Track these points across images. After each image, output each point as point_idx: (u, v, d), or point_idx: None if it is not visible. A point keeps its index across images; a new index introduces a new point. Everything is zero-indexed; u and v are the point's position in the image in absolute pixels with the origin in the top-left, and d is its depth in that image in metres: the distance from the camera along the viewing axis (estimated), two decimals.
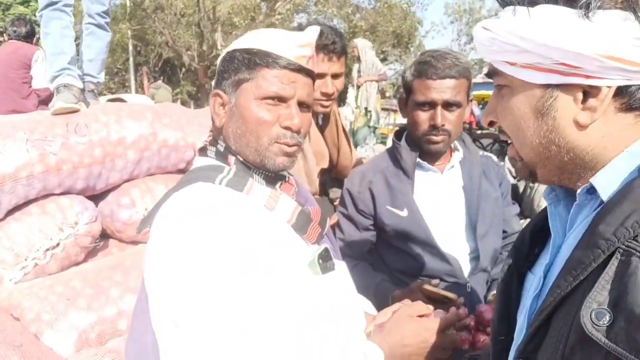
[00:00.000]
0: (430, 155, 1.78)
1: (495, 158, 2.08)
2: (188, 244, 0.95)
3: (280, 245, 1.04)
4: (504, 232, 1.90)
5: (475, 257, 1.77)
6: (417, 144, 1.77)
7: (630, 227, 0.67)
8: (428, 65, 1.67)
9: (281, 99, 1.07)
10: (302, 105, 1.10)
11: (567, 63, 0.72)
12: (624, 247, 0.67)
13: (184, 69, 19.78)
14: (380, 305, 1.61)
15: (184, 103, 19.35)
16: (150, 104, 3.32)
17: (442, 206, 1.79)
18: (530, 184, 2.12)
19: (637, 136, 0.74)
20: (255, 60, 1.07)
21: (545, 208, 0.92)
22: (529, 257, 0.94)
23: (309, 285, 1.05)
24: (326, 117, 2.14)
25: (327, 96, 1.98)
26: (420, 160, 1.79)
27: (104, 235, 1.99)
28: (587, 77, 0.72)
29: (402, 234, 1.75)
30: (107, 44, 2.75)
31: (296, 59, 1.08)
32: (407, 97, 1.77)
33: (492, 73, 0.84)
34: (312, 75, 1.12)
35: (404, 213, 1.75)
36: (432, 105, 1.68)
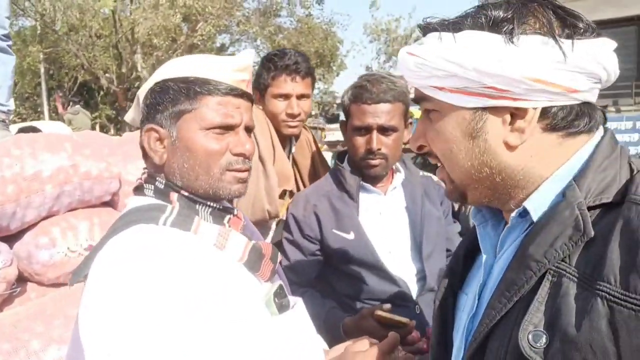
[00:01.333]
0: (372, 178, 1.78)
1: (435, 178, 2.12)
2: (130, 290, 0.85)
3: (232, 286, 0.97)
4: (448, 250, 1.91)
5: (422, 277, 1.76)
6: (357, 168, 1.77)
7: (559, 249, 0.70)
8: (363, 90, 1.68)
9: (229, 127, 1.03)
10: (247, 129, 1.06)
11: (495, 87, 0.74)
12: (554, 268, 0.70)
13: (102, 92, 18.99)
14: (330, 334, 1.58)
15: (103, 127, 18.55)
16: (68, 132, 3.11)
17: (387, 228, 1.78)
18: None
19: (563, 159, 0.77)
20: (194, 89, 1.01)
21: (473, 229, 0.95)
22: (458, 276, 0.96)
23: (267, 326, 0.97)
24: (297, 140, 2.10)
25: (293, 117, 1.95)
26: (364, 183, 1.78)
27: (21, 280, 1.80)
28: (515, 99, 0.74)
29: (349, 257, 1.72)
30: (12, 68, 2.54)
31: (236, 83, 1.03)
32: (346, 121, 1.78)
33: (420, 99, 0.85)
34: (252, 100, 1.09)
35: (351, 236, 1.72)
36: (368, 129, 1.69)
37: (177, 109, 1.01)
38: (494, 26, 0.75)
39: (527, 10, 0.75)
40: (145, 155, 1.06)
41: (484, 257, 0.88)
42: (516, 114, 0.76)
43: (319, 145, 2.27)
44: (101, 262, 0.90)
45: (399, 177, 1.85)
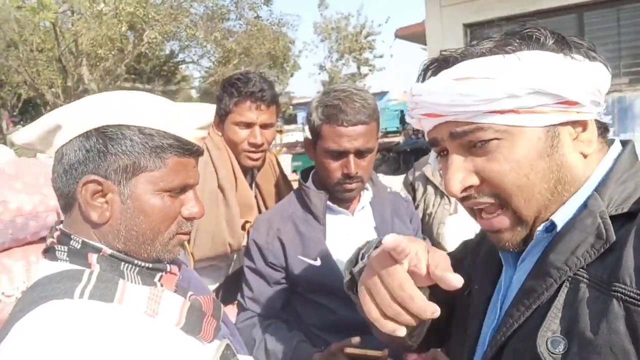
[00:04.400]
0: (342, 199, 1.66)
1: (403, 194, 2.05)
2: None
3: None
4: None
5: None
6: (327, 189, 1.64)
7: (580, 256, 0.70)
8: (337, 110, 1.52)
9: (185, 188, 0.94)
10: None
11: (568, 100, 0.74)
12: (572, 275, 0.71)
13: (48, 108, 18.28)
14: None
15: None
16: (8, 158, 2.90)
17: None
18: (429, 211, 2.12)
19: (590, 171, 0.79)
20: (161, 145, 0.89)
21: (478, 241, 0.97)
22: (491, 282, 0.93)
23: None
24: (261, 167, 1.97)
25: (256, 147, 1.81)
26: (330, 203, 1.66)
27: None
28: (579, 112, 0.76)
29: (316, 285, 1.60)
30: None
31: (198, 141, 0.94)
32: (314, 140, 1.63)
33: (466, 132, 0.77)
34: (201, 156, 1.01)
35: (317, 262, 1.60)
36: (343, 153, 1.55)
37: (134, 163, 0.88)
38: (548, 45, 0.77)
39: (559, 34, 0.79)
40: (70, 208, 0.90)
41: (504, 268, 0.87)
42: (574, 127, 0.78)
43: (275, 150, 2.16)
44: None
45: (367, 195, 1.73)
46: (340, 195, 1.63)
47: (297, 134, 24.22)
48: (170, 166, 0.90)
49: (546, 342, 0.68)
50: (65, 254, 0.88)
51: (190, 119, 0.94)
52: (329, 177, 1.60)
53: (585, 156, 0.79)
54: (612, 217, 0.72)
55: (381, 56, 21.93)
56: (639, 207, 0.72)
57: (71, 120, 0.88)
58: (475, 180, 0.79)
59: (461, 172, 0.79)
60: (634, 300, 0.63)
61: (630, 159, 0.79)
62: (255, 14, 17.53)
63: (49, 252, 0.91)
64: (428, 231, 2.09)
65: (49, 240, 0.92)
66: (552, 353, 0.67)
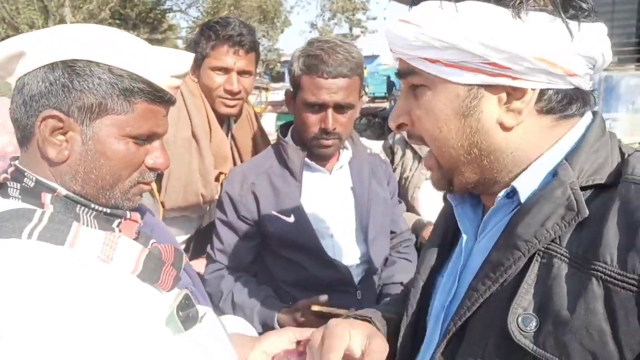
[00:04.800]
0: (319, 156, 1.62)
1: (383, 156, 2.03)
2: None
3: (119, 310, 0.79)
4: (392, 232, 1.81)
5: (365, 261, 1.67)
6: (306, 145, 1.60)
7: (550, 229, 0.67)
8: (318, 61, 1.47)
9: (151, 137, 0.90)
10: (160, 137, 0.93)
11: (497, 63, 0.70)
12: (543, 249, 0.68)
13: None
14: (264, 324, 1.49)
15: None
16: None
17: (331, 209, 1.65)
18: (406, 175, 2.11)
19: (554, 139, 0.75)
20: (131, 88, 0.83)
21: (442, 210, 0.93)
22: (438, 258, 0.92)
23: (164, 351, 0.81)
24: (238, 118, 1.90)
25: (232, 94, 1.75)
26: (308, 160, 1.62)
27: None
28: (514, 78, 0.70)
29: (289, 241, 1.59)
30: None
31: (171, 90, 0.89)
32: (294, 92, 1.58)
33: (406, 72, 0.79)
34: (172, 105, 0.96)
35: (291, 219, 1.58)
36: (322, 107, 1.50)
37: (100, 104, 0.82)
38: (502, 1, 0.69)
39: None
40: (27, 142, 0.85)
41: (463, 238, 0.84)
42: (512, 93, 0.72)
43: (260, 108, 2.10)
44: None
45: (346, 155, 1.70)
46: (317, 152, 1.59)
47: (283, 92, 23.87)
48: (138, 112, 0.85)
49: (517, 319, 0.66)
50: (18, 191, 0.83)
51: (166, 64, 0.88)
52: (306, 131, 1.56)
53: (505, 128, 0.74)
54: (583, 188, 0.69)
55: (374, 18, 21.56)
56: (613, 179, 0.69)
57: (37, 48, 0.82)
58: (406, 120, 0.81)
59: (399, 109, 0.82)
60: (614, 280, 0.61)
61: (601, 128, 0.76)
62: None
63: (1, 189, 0.86)
64: (403, 195, 2.08)
65: (1, 176, 0.87)
66: (523, 331, 0.66)
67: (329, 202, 1.66)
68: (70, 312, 0.73)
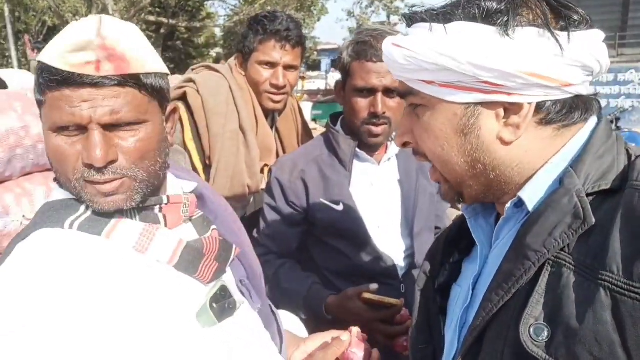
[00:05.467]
0: (369, 145, 1.62)
1: None
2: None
3: (144, 298, 0.80)
4: (437, 228, 1.80)
5: (410, 254, 1.66)
6: (355, 133, 1.60)
7: (558, 238, 0.67)
8: (367, 46, 1.49)
9: (77, 128, 0.78)
10: (119, 125, 0.80)
11: (489, 81, 0.71)
12: (553, 258, 0.68)
13: None
14: (312, 312, 1.52)
15: None
16: (25, 89, 2.90)
17: (378, 200, 1.65)
18: None
19: (558, 147, 0.75)
20: (39, 80, 0.79)
21: (460, 217, 0.93)
22: (445, 268, 0.94)
23: (190, 344, 0.82)
24: (282, 111, 1.92)
25: (277, 88, 1.76)
26: (358, 150, 1.63)
27: None
28: (509, 94, 0.71)
29: (335, 229, 1.60)
30: None
31: (76, 68, 0.76)
32: (344, 80, 1.59)
33: (405, 92, 0.81)
34: (124, 82, 0.79)
35: (339, 207, 1.59)
36: (371, 91, 1.51)
37: (36, 99, 0.82)
38: (488, 18, 0.71)
39: (520, 1, 0.72)
40: None
41: (478, 247, 0.85)
42: (510, 109, 0.73)
43: (297, 96, 2.12)
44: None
45: (394, 147, 1.69)
46: (366, 140, 1.59)
47: (320, 81, 23.84)
48: (48, 102, 0.79)
49: (529, 329, 0.67)
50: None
51: (62, 43, 0.78)
52: (356, 116, 1.56)
53: (505, 142, 0.74)
54: (589, 194, 0.69)
55: (413, 6, 21.22)
56: (619, 184, 0.69)
57: None
58: (410, 138, 0.83)
59: (402, 128, 0.84)
60: (621, 290, 0.61)
61: (606, 131, 0.75)
62: None
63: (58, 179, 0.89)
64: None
65: None
66: (535, 341, 0.66)
67: (377, 193, 1.66)
68: (91, 298, 0.75)
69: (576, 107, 0.74)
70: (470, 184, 0.80)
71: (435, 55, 0.72)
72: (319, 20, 22.77)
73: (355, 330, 1.13)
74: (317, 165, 1.65)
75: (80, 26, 0.80)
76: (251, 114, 1.78)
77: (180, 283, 0.87)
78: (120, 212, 0.85)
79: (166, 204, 0.91)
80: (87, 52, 0.77)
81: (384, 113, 1.53)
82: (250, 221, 1.83)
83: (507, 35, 0.69)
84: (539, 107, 0.73)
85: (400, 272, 1.64)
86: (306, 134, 2.03)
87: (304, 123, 2.05)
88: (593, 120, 0.77)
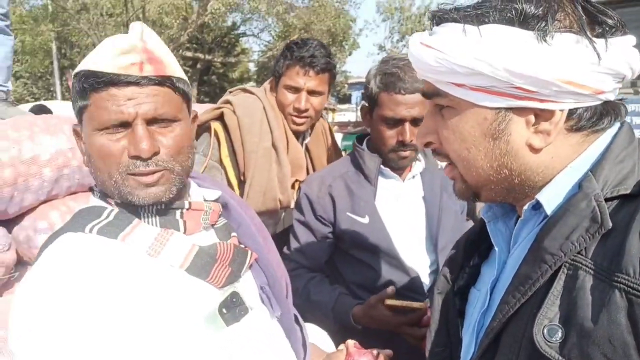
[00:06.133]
0: (394, 165, 1.69)
1: None
2: (23, 322, 0.80)
3: (157, 302, 0.85)
4: None
5: (434, 270, 1.69)
6: (381, 156, 1.67)
7: (575, 241, 0.67)
8: (395, 78, 1.56)
9: (122, 125, 0.86)
10: (159, 121, 0.88)
11: (523, 87, 0.69)
12: (570, 261, 0.67)
13: None
14: (340, 322, 1.55)
15: None
16: (70, 115, 3.07)
17: (403, 215, 1.69)
18: None
19: (578, 151, 0.75)
20: (82, 85, 0.87)
21: (480, 221, 0.92)
22: (465, 272, 0.94)
23: (193, 348, 0.86)
24: (312, 130, 2.02)
25: (299, 112, 1.85)
26: (383, 167, 1.69)
27: (21, 264, 1.79)
28: (542, 100, 0.70)
29: (362, 242, 1.65)
30: (11, 49, 2.49)
31: (123, 69, 0.85)
32: (371, 108, 1.67)
33: (432, 94, 0.80)
34: (162, 82, 0.88)
35: (365, 220, 1.65)
36: (400, 121, 1.58)
37: (77, 106, 0.90)
38: (525, 22, 0.69)
39: (557, 5, 0.69)
40: None
41: (496, 251, 0.85)
42: (540, 115, 0.72)
43: (330, 125, 2.19)
44: (26, 277, 0.86)
45: (419, 165, 1.75)
46: (394, 164, 1.66)
47: (350, 114, 24.04)
48: (94, 102, 0.86)
49: (542, 330, 0.66)
50: (99, 194, 0.97)
51: (110, 47, 0.88)
52: (384, 144, 1.63)
53: (534, 149, 0.73)
54: (608, 199, 0.68)
55: (442, 3, 21.37)
56: (638, 189, 0.68)
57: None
58: (434, 139, 0.82)
59: (425, 128, 0.83)
60: (637, 292, 0.60)
61: (627, 137, 0.74)
62: None
63: (92, 188, 1.00)
64: (471, 210, 2.08)
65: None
66: (549, 342, 0.65)
67: (402, 208, 1.71)
68: (101, 299, 0.81)
69: (606, 113, 0.73)
70: (492, 187, 0.79)
71: (469, 59, 0.70)
72: (350, 54, 23.15)
73: (351, 342, 1.17)
74: (343, 181, 1.71)
75: (126, 34, 0.90)
76: (282, 133, 1.86)
77: (191, 286, 0.90)
78: (140, 217, 0.93)
79: (187, 209, 0.96)
80: (133, 55, 0.86)
81: (411, 141, 1.59)
82: (281, 238, 1.89)
83: (545, 41, 0.68)
84: (571, 114, 0.72)
85: (425, 288, 1.66)
86: (336, 154, 2.10)
87: (334, 144, 2.12)
88: (615, 126, 0.76)
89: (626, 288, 0.61)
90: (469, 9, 0.73)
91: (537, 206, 0.76)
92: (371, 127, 1.69)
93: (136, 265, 0.87)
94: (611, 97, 0.73)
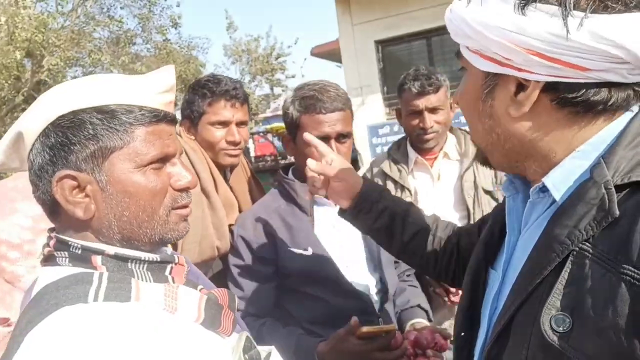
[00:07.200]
0: None
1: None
2: None
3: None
4: (395, 261, 1.83)
5: (381, 288, 1.69)
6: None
7: (583, 229, 0.67)
8: (314, 100, 1.58)
9: (166, 159, 0.86)
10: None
11: (499, 53, 0.72)
12: (577, 249, 0.67)
13: None
14: None
15: None
16: None
17: (342, 241, 1.67)
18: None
19: (585, 135, 0.73)
20: (121, 119, 0.81)
21: (498, 204, 0.94)
22: (488, 249, 0.94)
23: None
24: (232, 167, 1.93)
25: (234, 144, 1.78)
26: (316, 195, 1.62)
27: None
28: (519, 69, 0.72)
29: (308, 275, 1.60)
30: None
31: (164, 106, 0.87)
32: (293, 134, 1.65)
33: (457, 54, 0.87)
34: (175, 123, 0.93)
35: (308, 252, 1.60)
36: (325, 139, 1.57)
37: (100, 147, 0.81)
38: None
39: None
40: (56, 213, 0.84)
41: (507, 233, 0.86)
42: (523, 85, 0.73)
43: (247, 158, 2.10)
44: None
45: None
46: None
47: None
48: (141, 138, 0.83)
49: (550, 319, 0.66)
50: (67, 259, 0.81)
51: (150, 84, 0.87)
52: None
53: (512, 117, 0.76)
54: (619, 187, 0.67)
55: (293, 76, 22.08)
56: None
57: (27, 123, 0.82)
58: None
59: (459, 87, 0.90)
60: None
61: None
62: (163, 37, 17.12)
63: (48, 260, 0.83)
64: None
65: (45, 250, 0.84)
66: (556, 331, 0.65)
67: (339, 234, 1.69)
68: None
69: (598, 93, 0.70)
70: (491, 149, 0.83)
71: (461, 21, 0.76)
72: None
73: None
74: (279, 216, 1.66)
75: (160, 72, 0.90)
76: (209, 175, 1.76)
77: (209, 340, 0.84)
78: (133, 275, 0.82)
79: (176, 264, 0.89)
80: (171, 93, 0.89)
81: None
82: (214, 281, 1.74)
83: (522, 10, 0.69)
84: (555, 88, 0.71)
85: (377, 307, 1.65)
86: (257, 185, 2.05)
87: (254, 176, 2.06)
88: (630, 113, 0.74)
89: (632, 280, 0.61)
90: None
91: (545, 189, 0.77)
92: (296, 154, 1.67)
93: (165, 326, 0.77)
94: (612, 77, 0.69)
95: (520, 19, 0.69)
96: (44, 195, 0.82)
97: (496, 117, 0.78)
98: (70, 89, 0.84)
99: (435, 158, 2.20)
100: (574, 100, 0.71)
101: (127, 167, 0.82)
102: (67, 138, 0.80)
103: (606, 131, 0.73)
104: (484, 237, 0.97)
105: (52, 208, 0.83)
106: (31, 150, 0.82)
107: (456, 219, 2.08)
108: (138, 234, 0.84)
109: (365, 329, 1.40)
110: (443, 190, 2.16)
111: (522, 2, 0.69)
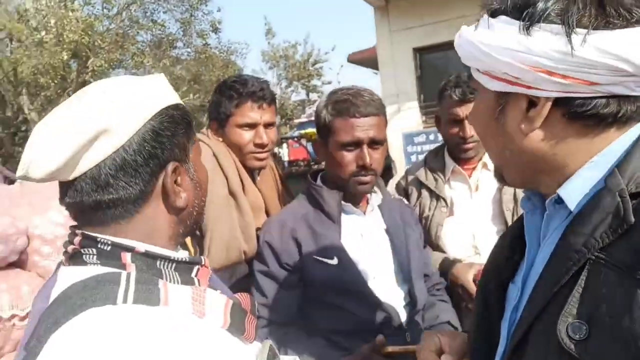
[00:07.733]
0: (352, 197, 1.64)
1: (405, 201, 2.04)
2: None
3: None
4: (425, 275, 1.79)
5: (409, 302, 1.64)
6: (342, 186, 1.61)
7: (599, 238, 0.67)
8: (348, 104, 1.55)
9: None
10: None
11: (508, 73, 0.74)
12: (593, 257, 0.68)
13: None
14: None
15: None
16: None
17: (370, 251, 1.63)
18: (425, 215, 2.11)
19: (598, 147, 0.75)
20: (187, 115, 0.91)
21: (522, 216, 0.93)
22: (508, 265, 0.93)
23: None
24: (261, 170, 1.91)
25: (262, 147, 1.76)
26: (344, 203, 1.63)
27: None
28: (528, 87, 0.74)
29: (333, 285, 1.55)
30: None
31: None
32: (325, 138, 1.62)
33: (469, 77, 0.91)
34: None
35: (334, 261, 1.55)
36: (357, 144, 1.55)
37: (188, 139, 0.89)
38: (516, 11, 0.73)
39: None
40: (128, 214, 0.82)
41: (527, 246, 0.87)
42: (534, 102, 0.75)
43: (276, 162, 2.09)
44: None
45: (376, 197, 1.71)
46: (355, 190, 1.60)
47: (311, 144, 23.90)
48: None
49: (566, 327, 0.66)
50: (95, 256, 0.79)
51: (168, 88, 0.90)
52: (344, 170, 1.58)
53: (525, 134, 0.77)
54: (633, 194, 0.68)
55: (329, 82, 22.20)
56: None
57: (115, 119, 0.77)
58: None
59: (472, 110, 0.92)
60: None
61: None
62: (203, 42, 17.43)
63: (73, 258, 0.81)
64: (427, 235, 2.06)
65: (69, 248, 0.82)
66: (573, 339, 0.65)
67: (368, 243, 1.65)
68: None
69: (607, 105, 0.71)
70: (506, 166, 0.85)
71: (470, 44, 0.79)
72: None
73: None
74: (305, 223, 1.62)
75: (153, 78, 0.88)
76: (237, 178, 1.75)
77: (235, 346, 0.83)
78: (160, 275, 0.81)
79: (202, 266, 0.89)
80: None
81: (371, 165, 1.56)
82: (237, 286, 1.73)
83: (527, 31, 0.72)
84: (566, 102, 0.72)
85: (404, 321, 1.60)
86: (286, 190, 2.01)
87: (282, 178, 2.03)
88: None
89: None
90: (495, 3, 0.79)
91: (560, 201, 0.77)
92: (327, 158, 1.64)
93: (194, 331, 0.76)
94: (620, 90, 0.70)
95: (526, 39, 0.72)
96: (129, 193, 0.79)
97: (509, 135, 0.79)
98: (146, 88, 0.84)
99: (474, 168, 2.11)
100: (585, 114, 0.73)
101: (195, 156, 0.91)
102: (170, 132, 0.84)
103: (618, 142, 0.74)
104: (494, 250, 0.99)
105: (127, 207, 0.81)
106: (122, 147, 0.78)
107: (494, 232, 2.01)
108: (192, 226, 0.91)
109: (390, 348, 1.36)
110: (481, 202, 2.08)
111: (527, 23, 0.72)
